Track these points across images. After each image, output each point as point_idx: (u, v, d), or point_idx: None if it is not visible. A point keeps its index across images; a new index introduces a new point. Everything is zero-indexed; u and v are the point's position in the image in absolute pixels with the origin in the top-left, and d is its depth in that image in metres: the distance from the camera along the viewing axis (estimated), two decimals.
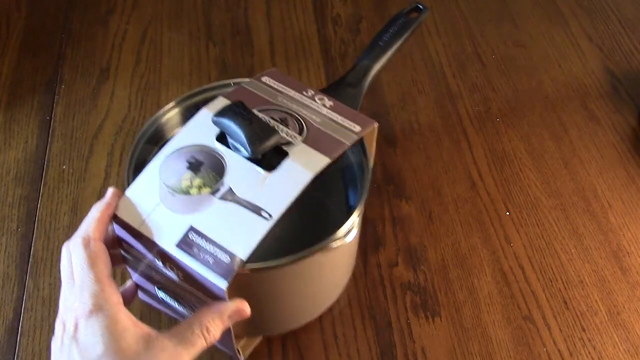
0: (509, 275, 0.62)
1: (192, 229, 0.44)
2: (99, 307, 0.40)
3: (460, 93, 0.77)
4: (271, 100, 0.51)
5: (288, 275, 0.49)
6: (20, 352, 0.57)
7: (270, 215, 0.44)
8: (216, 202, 0.45)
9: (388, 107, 0.75)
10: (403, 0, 0.87)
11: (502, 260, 0.63)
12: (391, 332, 0.58)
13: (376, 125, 0.52)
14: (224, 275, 0.42)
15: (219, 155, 0.47)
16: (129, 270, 0.51)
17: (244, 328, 0.54)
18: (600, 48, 0.82)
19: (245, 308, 0.45)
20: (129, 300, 0.51)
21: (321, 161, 0.47)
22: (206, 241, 0.43)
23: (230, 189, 0.45)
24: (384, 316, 0.59)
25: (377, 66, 0.61)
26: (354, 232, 0.48)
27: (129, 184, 0.47)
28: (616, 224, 0.66)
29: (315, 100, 0.52)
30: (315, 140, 0.48)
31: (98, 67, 0.79)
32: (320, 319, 0.59)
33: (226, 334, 0.46)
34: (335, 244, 0.47)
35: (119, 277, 0.61)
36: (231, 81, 0.56)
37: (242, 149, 0.46)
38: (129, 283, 0.52)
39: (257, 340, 0.58)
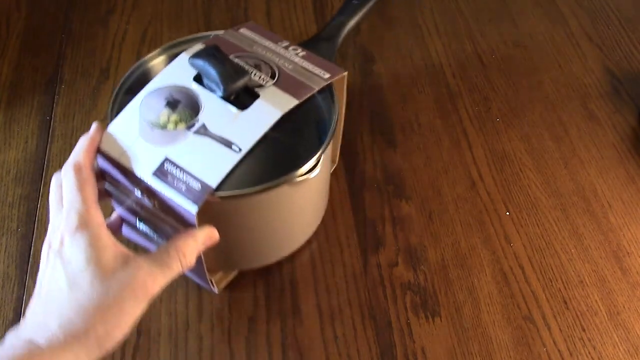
0: (509, 275, 0.62)
1: (167, 159, 0.48)
2: (84, 225, 0.44)
3: (460, 93, 0.77)
4: (246, 48, 0.56)
5: (256, 206, 0.52)
6: None
7: (239, 149, 0.48)
8: (191, 137, 0.49)
9: (388, 107, 0.75)
10: (403, 2, 0.87)
11: (502, 260, 0.63)
12: (391, 332, 0.58)
13: (345, 73, 0.57)
14: (194, 201, 0.46)
15: (195, 94, 0.52)
16: (114, 205, 0.55)
17: (218, 261, 0.59)
18: (600, 48, 0.82)
19: (215, 233, 0.49)
20: (113, 232, 0.52)
21: (289, 102, 0.52)
22: (180, 170, 0.48)
23: (204, 124, 0.50)
24: (384, 316, 0.59)
25: (351, 23, 0.67)
26: (318, 169, 0.51)
27: (111, 122, 0.51)
28: (616, 224, 0.66)
29: (288, 50, 0.57)
30: (286, 84, 0.53)
31: (98, 67, 0.79)
32: (323, 322, 0.59)
33: (199, 262, 0.50)
34: (299, 178, 0.51)
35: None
36: (211, 33, 0.59)
37: (216, 88, 0.51)
38: (113, 216, 0.55)
39: (232, 274, 0.61)
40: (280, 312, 0.59)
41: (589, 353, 0.57)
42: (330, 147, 0.55)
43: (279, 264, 0.62)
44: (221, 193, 0.48)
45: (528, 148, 0.72)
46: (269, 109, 0.51)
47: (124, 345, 0.57)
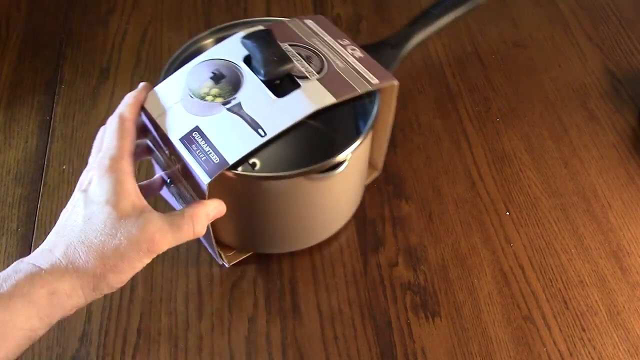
0: (509, 275, 0.62)
1: (197, 128, 0.50)
2: (113, 169, 0.46)
3: (460, 93, 0.77)
4: (304, 38, 0.58)
5: (271, 192, 0.54)
6: (21, 353, 0.57)
7: (265, 133, 0.50)
8: (224, 112, 0.51)
9: None
10: (403, 2, 0.87)
11: (502, 260, 0.63)
12: (391, 332, 0.58)
13: (396, 83, 0.56)
14: (209, 172, 0.49)
15: (241, 73, 0.53)
16: (155, 165, 0.60)
17: (234, 238, 0.61)
18: (600, 48, 0.82)
19: (223, 207, 0.52)
20: (154, 190, 0.58)
21: (326, 99, 0.52)
22: (205, 141, 0.50)
23: (240, 103, 0.51)
24: (384, 316, 0.59)
25: (421, 35, 0.64)
26: (340, 169, 0.52)
27: (158, 83, 0.54)
28: (616, 224, 0.66)
29: (346, 49, 0.57)
30: (330, 81, 0.54)
31: (98, 67, 0.79)
32: (323, 322, 0.59)
33: (208, 233, 0.53)
34: (318, 175, 0.52)
35: None
36: (277, 19, 0.61)
37: (260, 71, 0.53)
38: (156, 176, 0.59)
39: (246, 254, 0.62)
40: (280, 312, 0.59)
41: (589, 353, 0.57)
42: (365, 151, 0.57)
43: (279, 263, 0.62)
44: (235, 171, 0.50)
45: (528, 148, 0.72)
46: (305, 101, 0.52)
47: (124, 345, 0.57)
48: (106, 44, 0.82)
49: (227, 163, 0.49)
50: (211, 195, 0.50)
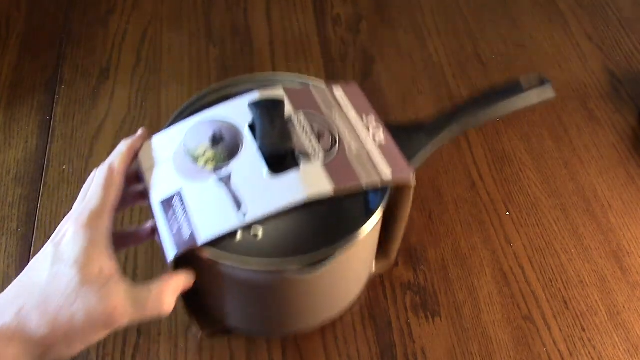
0: (509, 275, 0.62)
1: (179, 193, 0.46)
2: (90, 226, 0.43)
3: (460, 93, 0.77)
4: (324, 109, 0.51)
5: (243, 279, 0.48)
6: None
7: (244, 216, 0.45)
8: (211, 181, 0.47)
9: (388, 107, 0.75)
10: (403, 2, 0.87)
11: (502, 260, 0.63)
12: (391, 332, 0.58)
13: (412, 183, 0.49)
14: (177, 247, 0.44)
15: (241, 139, 0.49)
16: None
17: (207, 313, 0.55)
18: (600, 48, 0.82)
19: (190, 280, 0.47)
20: (140, 239, 0.53)
21: (323, 189, 0.46)
22: (182, 210, 0.45)
23: (229, 175, 0.47)
24: (384, 316, 0.59)
25: (463, 124, 0.55)
26: (321, 270, 0.45)
27: (160, 131, 0.50)
28: (616, 224, 0.66)
29: (369, 129, 0.51)
30: (336, 167, 0.47)
31: (98, 67, 0.79)
32: (322, 325, 0.59)
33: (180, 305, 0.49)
34: (296, 275, 0.45)
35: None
36: (305, 81, 0.55)
37: (258, 144, 0.48)
38: (148, 224, 0.53)
39: (223, 331, 0.58)
40: None
41: (589, 353, 0.57)
42: (364, 246, 0.50)
43: None
44: (205, 251, 0.44)
45: (528, 148, 0.72)
46: (299, 187, 0.46)
47: (124, 345, 0.57)
48: (106, 44, 0.82)
49: (197, 241, 0.44)
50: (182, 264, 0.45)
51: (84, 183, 0.47)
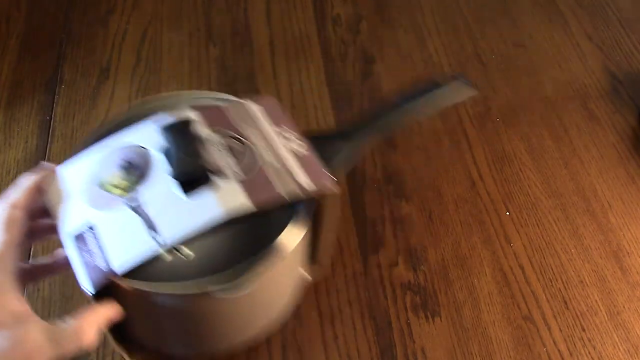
0: (509, 275, 0.62)
1: (91, 225, 0.44)
2: None
3: None
4: (240, 127, 0.50)
5: (167, 304, 0.47)
6: None
7: (163, 242, 0.44)
8: (124, 208, 0.45)
9: None
10: (403, 2, 0.87)
11: (502, 260, 0.63)
12: (391, 332, 0.58)
13: (335, 190, 0.48)
14: (94, 281, 0.43)
15: (153, 164, 0.47)
16: None
17: (138, 340, 0.52)
18: (600, 48, 0.82)
19: (117, 311, 0.45)
20: (54, 270, 0.50)
21: (242, 206, 0.45)
22: (96, 242, 0.44)
23: (143, 201, 0.45)
24: (384, 316, 0.59)
25: (381, 128, 0.55)
26: (247, 283, 0.44)
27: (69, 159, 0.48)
28: (616, 224, 0.66)
29: (288, 142, 0.50)
30: (254, 183, 0.47)
31: (98, 67, 0.79)
32: (323, 322, 0.59)
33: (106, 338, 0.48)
34: (217, 295, 0.44)
35: None
36: (218, 96, 0.54)
37: (169, 167, 0.46)
38: (61, 253, 0.50)
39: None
40: None
41: (589, 353, 0.57)
42: (290, 262, 0.49)
43: None
44: (123, 281, 0.43)
45: (528, 148, 0.72)
46: (215, 205, 0.45)
47: None
48: (106, 44, 0.82)
49: (115, 273, 0.42)
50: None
51: None
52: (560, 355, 0.57)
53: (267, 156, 0.48)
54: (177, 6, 0.87)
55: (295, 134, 0.51)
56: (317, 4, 0.87)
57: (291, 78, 0.78)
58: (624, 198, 0.68)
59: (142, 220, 0.44)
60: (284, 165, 0.48)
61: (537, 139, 0.73)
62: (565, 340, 0.58)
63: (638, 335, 0.59)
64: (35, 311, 0.58)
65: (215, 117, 0.50)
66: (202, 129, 0.49)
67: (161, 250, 0.44)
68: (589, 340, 0.58)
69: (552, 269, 0.63)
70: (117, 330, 0.49)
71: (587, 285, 0.62)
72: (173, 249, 0.44)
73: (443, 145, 0.72)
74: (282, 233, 0.46)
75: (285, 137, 0.50)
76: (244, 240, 0.46)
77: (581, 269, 0.63)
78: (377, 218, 0.66)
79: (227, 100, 0.53)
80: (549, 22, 0.86)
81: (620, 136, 0.73)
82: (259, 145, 0.49)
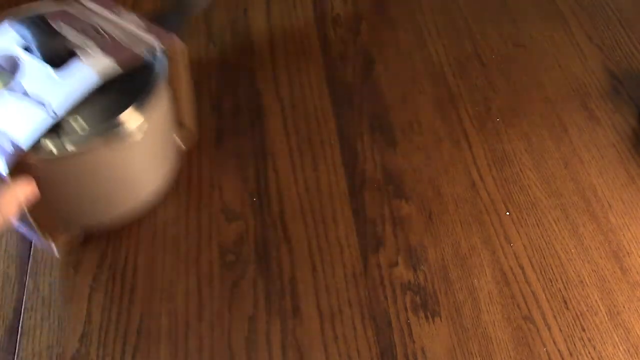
0: (509, 275, 0.62)
1: None
2: None
3: (460, 93, 0.77)
4: (82, 17, 0.59)
5: (71, 167, 0.56)
6: (20, 352, 0.57)
7: (54, 112, 0.51)
8: (7, 96, 0.52)
9: (388, 107, 0.75)
10: (403, 2, 0.87)
11: (502, 260, 0.63)
12: (391, 332, 0.58)
13: (180, 43, 0.59)
14: (6, 161, 0.49)
15: (19, 59, 0.55)
16: None
17: (55, 220, 0.61)
18: (600, 48, 0.82)
19: (32, 188, 0.52)
20: None
21: (110, 68, 0.54)
22: None
23: (21, 85, 0.53)
24: (384, 316, 0.59)
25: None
26: (133, 135, 0.55)
27: None
28: (616, 224, 0.66)
29: (128, 21, 0.60)
30: (112, 48, 0.56)
31: None
32: (323, 322, 0.59)
33: (27, 221, 0.56)
34: (97, 149, 0.54)
35: None
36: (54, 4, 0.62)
37: (36, 53, 0.54)
38: None
39: (77, 236, 0.63)
40: (280, 312, 0.59)
41: (589, 353, 0.57)
42: (157, 116, 0.59)
43: (279, 264, 0.62)
44: (32, 155, 0.51)
45: (528, 148, 0.72)
46: (90, 74, 0.53)
47: (124, 345, 0.57)
48: None
49: (21, 148, 0.50)
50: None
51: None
52: (560, 355, 0.57)
53: (117, 31, 0.58)
54: None
55: (129, 12, 0.61)
56: (317, 4, 0.87)
57: (291, 78, 0.78)
58: (624, 198, 0.68)
59: (30, 100, 0.52)
60: (132, 34, 0.58)
61: (537, 139, 0.73)
62: (565, 340, 0.58)
63: (638, 335, 0.59)
64: (35, 311, 0.59)
65: (61, 15, 0.59)
66: (54, 23, 0.57)
67: (54, 119, 0.51)
68: (589, 340, 0.58)
69: (552, 269, 0.63)
70: (37, 216, 0.57)
71: (587, 285, 0.62)
72: (68, 121, 0.54)
73: (443, 145, 0.72)
74: (146, 92, 0.57)
75: (124, 17, 0.60)
76: (119, 104, 0.56)
77: (581, 269, 0.63)
78: (377, 218, 0.66)
79: (68, 4, 0.62)
80: (549, 22, 0.86)
81: (620, 136, 0.73)
82: (104, 25, 0.59)
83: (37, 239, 0.60)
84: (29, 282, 0.61)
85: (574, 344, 0.58)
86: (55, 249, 0.61)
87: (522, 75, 0.79)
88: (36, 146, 0.51)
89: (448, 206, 0.67)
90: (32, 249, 0.63)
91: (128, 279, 0.61)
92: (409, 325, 0.59)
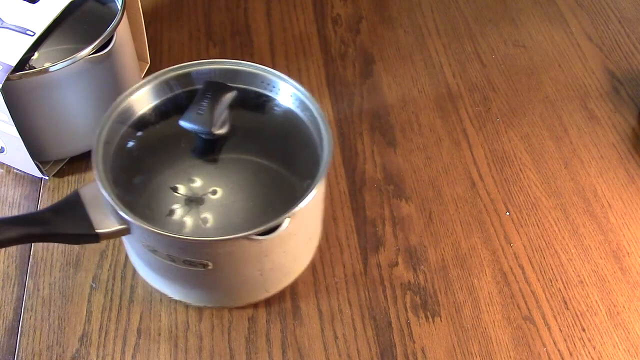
0: (509, 275, 0.62)
1: None
2: None
3: (460, 93, 0.77)
4: None
5: (55, 83, 0.61)
6: (20, 352, 0.57)
7: (34, 33, 0.59)
8: None
9: (388, 107, 0.75)
10: (403, 2, 0.87)
11: (502, 260, 0.63)
12: (391, 332, 0.58)
13: None
14: None
15: None
16: None
17: (44, 147, 0.66)
18: (600, 48, 0.82)
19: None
20: None
21: None
22: None
23: (0, 18, 0.60)
24: (384, 316, 0.59)
25: None
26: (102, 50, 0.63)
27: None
28: (616, 224, 0.66)
29: None
30: None
31: None
32: (323, 322, 0.59)
33: (22, 149, 0.61)
34: (88, 57, 0.61)
35: None
36: None
37: None
38: None
39: (63, 162, 0.68)
40: (280, 312, 0.59)
41: (589, 353, 0.57)
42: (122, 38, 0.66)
43: None
44: (22, 73, 0.57)
45: (528, 148, 0.72)
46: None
47: (124, 345, 0.57)
48: None
49: (10, 66, 0.57)
50: None
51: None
52: (560, 355, 0.57)
53: None
54: (177, 6, 0.87)
55: None
56: (317, 4, 0.87)
57: (291, 78, 0.78)
58: (624, 198, 0.68)
59: (10, 30, 0.60)
60: None
61: (537, 139, 0.73)
62: (565, 340, 0.58)
63: (638, 335, 0.59)
64: (35, 311, 0.59)
65: None
66: None
67: (34, 37, 0.59)
68: (589, 340, 0.58)
69: (552, 269, 0.63)
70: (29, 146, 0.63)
71: (587, 285, 0.62)
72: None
73: (443, 145, 0.72)
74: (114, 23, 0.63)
75: None
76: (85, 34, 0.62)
77: (581, 269, 0.63)
78: (377, 218, 0.66)
79: None
80: (549, 22, 0.86)
81: (620, 136, 0.73)
82: None
83: (28, 166, 0.65)
84: (29, 282, 0.61)
85: (574, 344, 0.58)
86: (45, 175, 0.66)
87: (522, 75, 0.79)
88: (21, 65, 0.58)
89: (448, 206, 0.67)
90: (32, 249, 0.63)
91: (128, 279, 0.61)
92: (409, 325, 0.59)
